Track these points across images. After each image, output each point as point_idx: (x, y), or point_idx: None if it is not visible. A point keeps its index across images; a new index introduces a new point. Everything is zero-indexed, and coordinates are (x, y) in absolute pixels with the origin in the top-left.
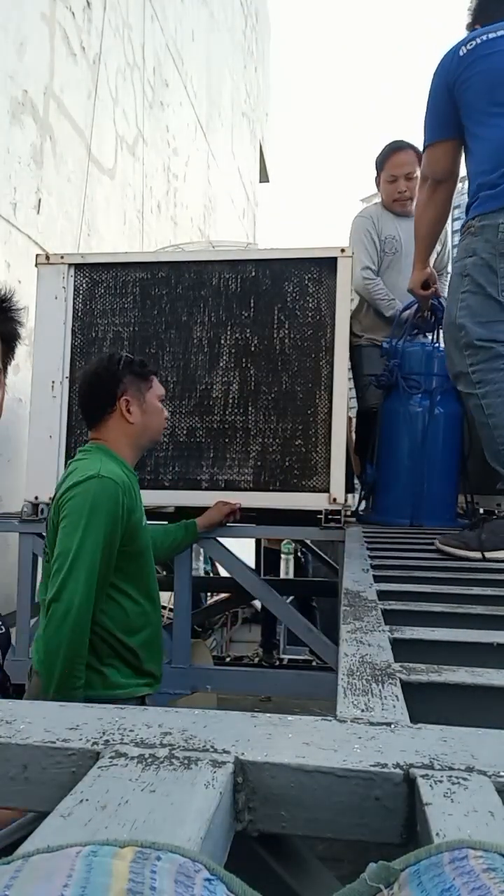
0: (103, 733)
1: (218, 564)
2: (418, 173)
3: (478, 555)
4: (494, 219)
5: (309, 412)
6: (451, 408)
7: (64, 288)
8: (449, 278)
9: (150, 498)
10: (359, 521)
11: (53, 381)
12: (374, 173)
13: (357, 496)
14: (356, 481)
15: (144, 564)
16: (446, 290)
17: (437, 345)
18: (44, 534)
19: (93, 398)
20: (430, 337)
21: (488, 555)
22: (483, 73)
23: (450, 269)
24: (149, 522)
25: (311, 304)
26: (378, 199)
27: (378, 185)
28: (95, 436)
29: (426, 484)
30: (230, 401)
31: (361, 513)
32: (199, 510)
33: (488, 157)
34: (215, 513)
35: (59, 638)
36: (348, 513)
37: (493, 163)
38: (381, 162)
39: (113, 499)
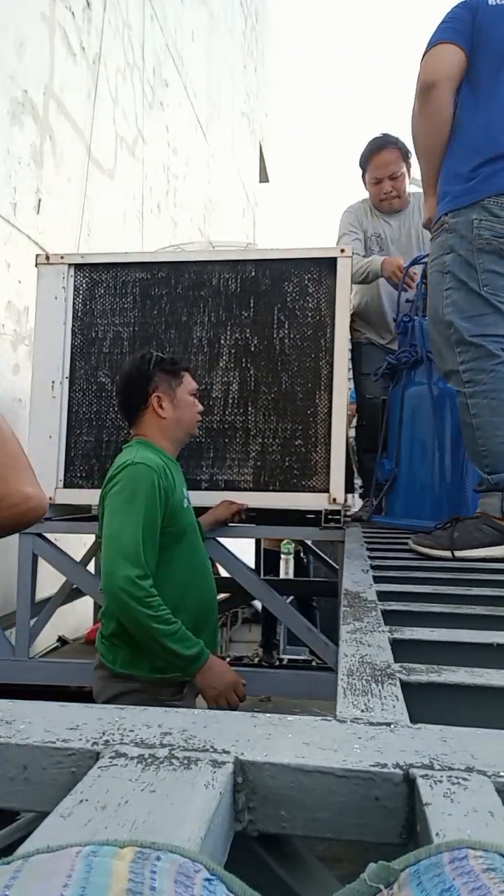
0: (103, 733)
1: (218, 564)
2: (404, 170)
3: (448, 553)
4: (468, 214)
5: (309, 412)
6: None
7: (64, 288)
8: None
9: None
10: (370, 524)
11: (53, 382)
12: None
13: (356, 496)
14: (356, 481)
15: (189, 544)
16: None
17: None
18: (44, 534)
19: (128, 396)
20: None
21: (458, 553)
22: (498, 40)
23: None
24: None
25: (310, 304)
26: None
27: (364, 184)
28: (135, 432)
29: (461, 478)
30: (230, 401)
31: (376, 515)
32: (199, 510)
33: (464, 148)
34: (222, 511)
35: (134, 615)
36: (348, 512)
37: (468, 154)
38: (364, 161)
39: (148, 480)
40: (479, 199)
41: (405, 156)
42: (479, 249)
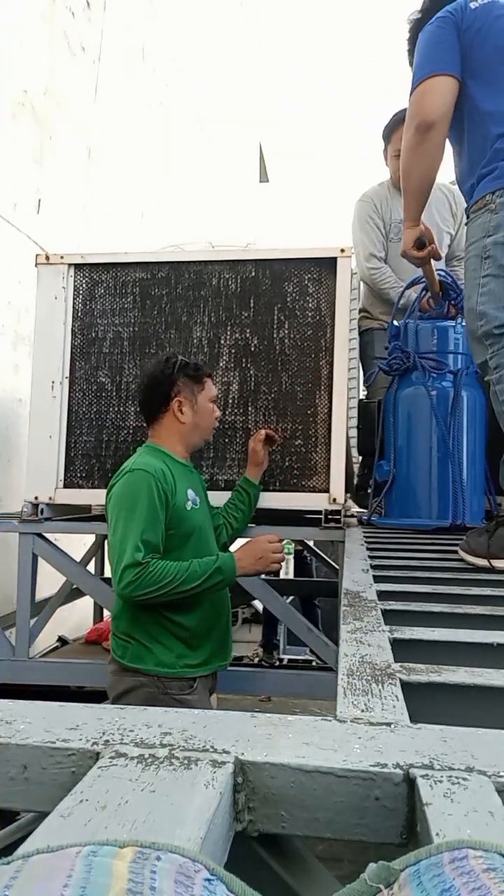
0: (103, 733)
1: None
2: None
3: (484, 562)
4: None
5: (309, 412)
6: (476, 391)
7: (64, 288)
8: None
9: None
10: (371, 525)
11: (53, 381)
12: (377, 172)
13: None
14: (356, 481)
15: (197, 545)
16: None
17: (459, 321)
18: (44, 534)
19: (149, 398)
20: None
21: (497, 563)
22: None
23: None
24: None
25: (310, 304)
26: (384, 179)
27: (385, 158)
28: (151, 433)
29: (456, 478)
30: (230, 401)
31: (375, 517)
32: None
33: None
34: (253, 456)
35: (153, 598)
36: (348, 512)
37: None
38: (389, 133)
39: (145, 485)
40: None
41: None
42: None
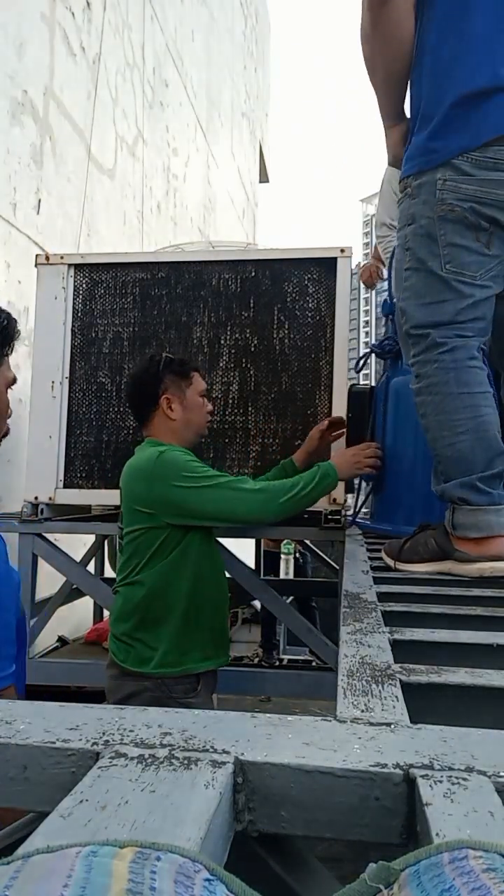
0: (103, 733)
1: None
2: None
3: (391, 563)
4: (433, 175)
5: (309, 412)
6: None
7: (64, 288)
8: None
9: None
10: (358, 528)
11: (53, 382)
12: (376, 172)
13: (354, 497)
14: (355, 480)
15: (208, 536)
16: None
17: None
18: (44, 534)
19: (138, 398)
20: None
21: (399, 565)
22: None
23: None
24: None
25: (310, 305)
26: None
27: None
28: (146, 433)
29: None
30: (230, 401)
31: (361, 519)
32: None
33: (432, 85)
34: (308, 442)
35: (297, 502)
36: (346, 512)
37: (437, 92)
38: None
39: (180, 451)
40: (450, 157)
41: None
42: (442, 218)
